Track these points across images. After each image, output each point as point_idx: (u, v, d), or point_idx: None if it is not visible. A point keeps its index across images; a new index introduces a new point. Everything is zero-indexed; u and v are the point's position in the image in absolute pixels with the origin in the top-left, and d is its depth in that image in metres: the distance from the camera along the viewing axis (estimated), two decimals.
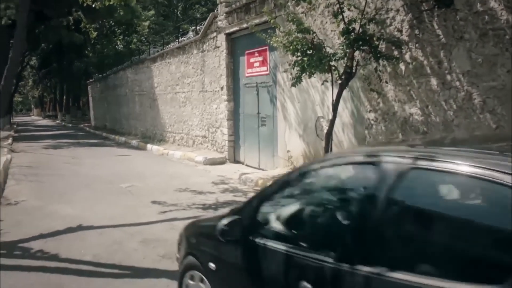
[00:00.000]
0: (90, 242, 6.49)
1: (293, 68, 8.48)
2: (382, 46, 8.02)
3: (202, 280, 3.59)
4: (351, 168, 2.93)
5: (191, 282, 3.75)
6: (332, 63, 8.09)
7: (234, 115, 14.69)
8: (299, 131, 11.04)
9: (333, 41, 9.37)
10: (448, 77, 7.20)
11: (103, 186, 10.70)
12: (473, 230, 2.16)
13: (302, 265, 2.64)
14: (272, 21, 9.02)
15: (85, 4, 12.09)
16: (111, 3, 11.49)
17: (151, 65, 22.60)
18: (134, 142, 21.98)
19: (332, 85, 8.38)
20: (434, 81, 7.46)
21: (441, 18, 7.27)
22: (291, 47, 8.24)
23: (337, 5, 8.04)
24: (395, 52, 7.91)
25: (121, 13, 29.67)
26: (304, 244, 2.79)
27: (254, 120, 13.37)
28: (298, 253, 2.70)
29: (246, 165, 13.64)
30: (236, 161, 14.44)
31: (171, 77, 20.02)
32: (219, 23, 14.97)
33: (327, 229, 2.89)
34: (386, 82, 8.28)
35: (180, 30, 22.54)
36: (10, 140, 22.30)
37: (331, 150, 8.51)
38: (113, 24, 42.35)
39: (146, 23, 39.23)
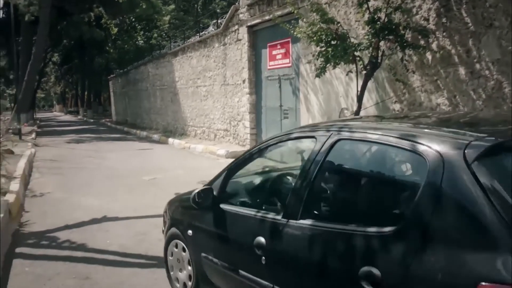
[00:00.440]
0: (115, 232, 6.50)
1: (317, 59, 8.37)
2: (408, 35, 7.88)
3: (184, 250, 4.07)
4: (300, 142, 3.45)
5: (175, 249, 4.22)
6: (357, 53, 7.97)
7: (256, 108, 14.62)
8: None
9: (357, 32, 9.24)
10: (477, 66, 7.04)
11: (126, 178, 10.73)
12: (379, 186, 2.84)
13: (258, 224, 3.08)
14: (295, 12, 8.92)
15: None
16: None
17: (172, 59, 22.63)
18: (156, 136, 22.05)
19: (357, 76, 8.26)
20: (462, 70, 7.30)
21: (470, 6, 7.11)
22: (315, 38, 8.13)
23: None
24: (422, 41, 7.77)
25: (143, 7, 29.80)
26: (260, 207, 3.31)
27: (276, 113, 13.28)
28: (255, 214, 3.17)
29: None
30: None
31: (192, 71, 20.02)
32: (240, 15, 14.90)
33: (278, 193, 3.51)
34: (413, 72, 8.13)
35: (201, 25, 22.49)
36: (33, 135, 22.59)
37: None
38: (133, 19, 42.59)
39: (167, 18, 39.33)
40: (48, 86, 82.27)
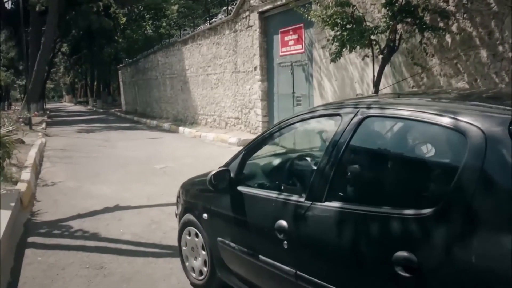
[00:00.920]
0: (128, 221, 6.36)
1: (332, 44, 8.18)
2: (427, 17, 7.64)
3: (197, 235, 3.98)
4: (322, 120, 3.28)
5: (188, 237, 4.15)
6: (373, 37, 7.75)
7: (268, 96, 14.43)
8: None
9: (373, 15, 9.01)
10: (500, 48, 6.81)
11: (137, 167, 10.61)
12: (413, 165, 2.65)
13: (279, 207, 2.94)
14: None
15: None
16: None
17: (182, 48, 22.43)
18: (166, 125, 21.94)
19: (373, 60, 8.06)
20: (483, 53, 7.07)
21: None
22: (330, 22, 7.93)
23: None
24: (441, 24, 7.53)
25: None
26: (280, 189, 3.21)
27: (288, 100, 13.09)
28: (276, 197, 3.03)
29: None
30: None
31: (202, 59, 19.82)
32: (251, 1, 14.65)
33: (299, 175, 3.42)
34: (433, 55, 7.89)
35: (210, 13, 22.26)
36: (44, 125, 22.57)
37: None
38: (142, 9, 42.40)
39: (175, 7, 39.10)
40: (57, 77, 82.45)
